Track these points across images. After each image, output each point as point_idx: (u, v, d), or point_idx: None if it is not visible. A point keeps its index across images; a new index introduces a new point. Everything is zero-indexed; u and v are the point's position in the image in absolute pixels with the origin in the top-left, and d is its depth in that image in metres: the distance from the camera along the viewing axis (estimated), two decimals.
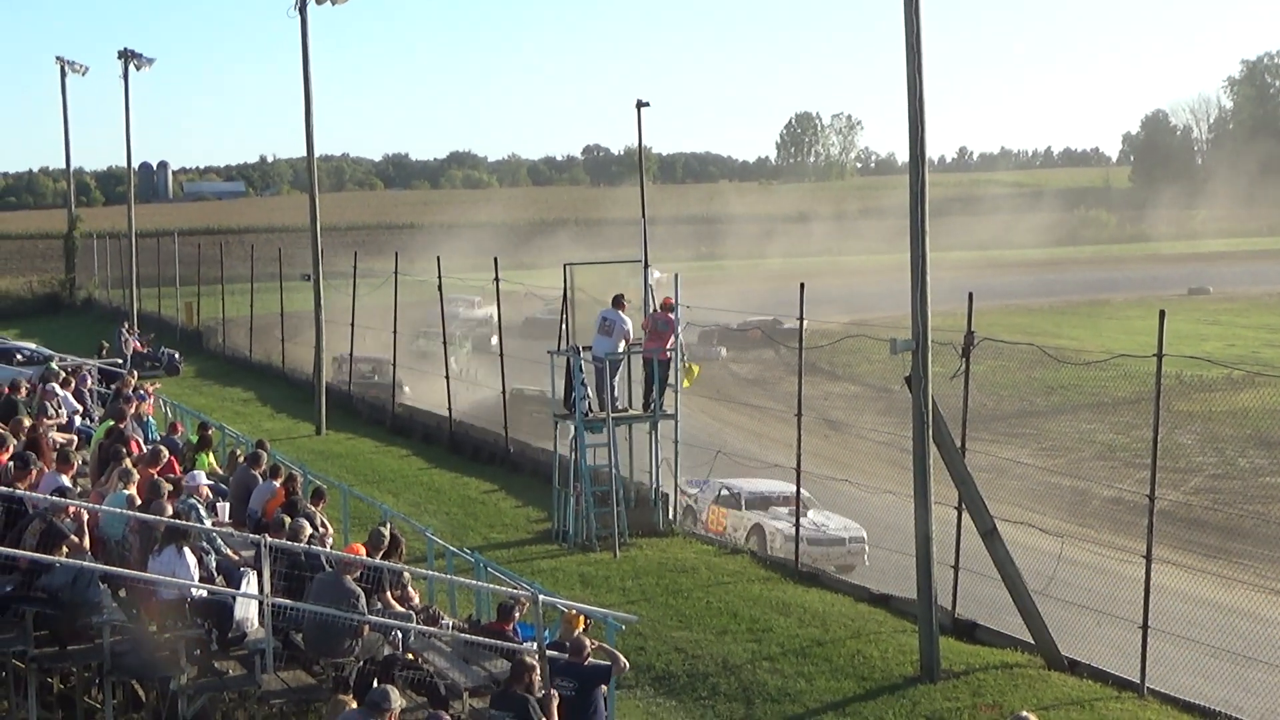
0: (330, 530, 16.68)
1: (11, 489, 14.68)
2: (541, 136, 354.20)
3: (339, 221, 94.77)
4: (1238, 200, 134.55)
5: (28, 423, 19.32)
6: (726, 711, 16.58)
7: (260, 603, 13.40)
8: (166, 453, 17.89)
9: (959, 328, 18.97)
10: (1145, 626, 16.78)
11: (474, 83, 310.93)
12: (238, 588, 13.91)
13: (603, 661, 13.23)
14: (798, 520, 22.95)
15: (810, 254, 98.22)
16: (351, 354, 39.69)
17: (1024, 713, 12.07)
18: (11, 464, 15.81)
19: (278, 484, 17.41)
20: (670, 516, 24.75)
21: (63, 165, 76.70)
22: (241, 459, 19.02)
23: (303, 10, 34.50)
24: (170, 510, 14.54)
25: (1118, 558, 19.67)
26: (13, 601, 13.37)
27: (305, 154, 37.29)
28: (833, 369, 46.42)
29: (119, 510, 14.69)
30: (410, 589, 15.12)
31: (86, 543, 14.12)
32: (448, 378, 34.16)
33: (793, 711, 16.39)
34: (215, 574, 14.46)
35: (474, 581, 17.24)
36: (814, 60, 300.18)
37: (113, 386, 26.50)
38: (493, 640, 14.03)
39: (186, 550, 13.65)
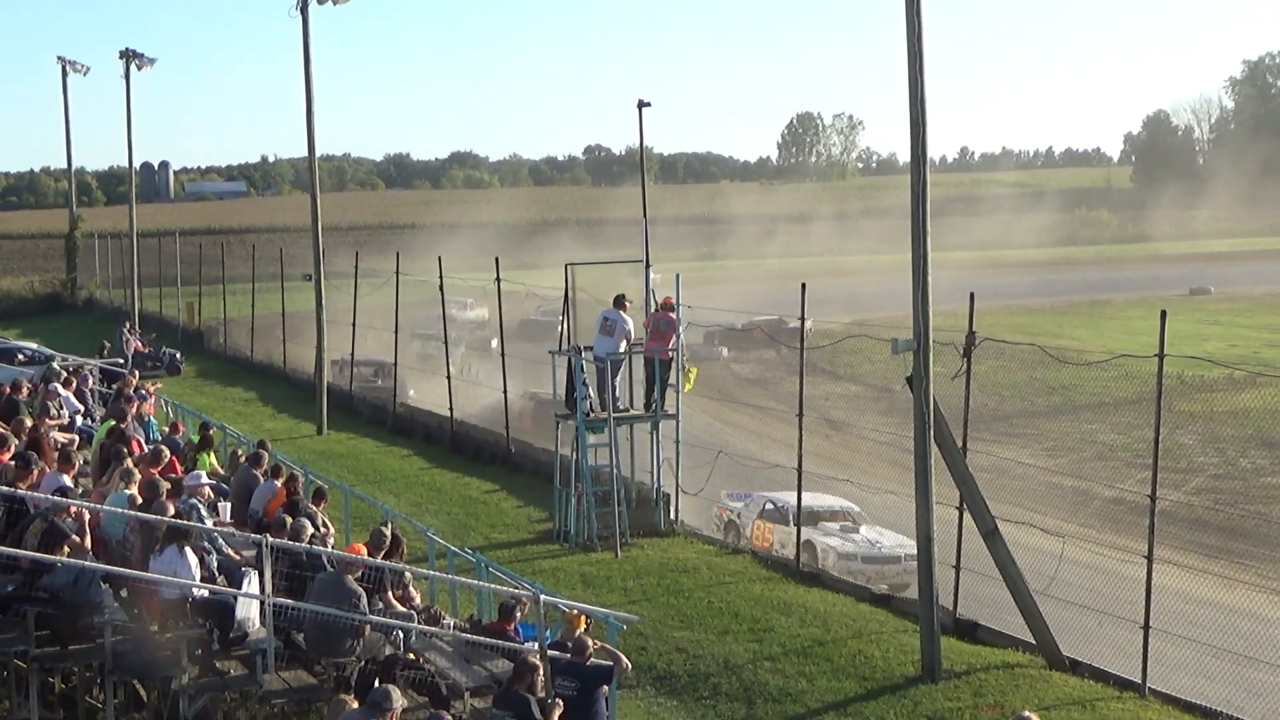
0: (331, 530, 16.68)
1: (13, 489, 14.69)
2: (543, 136, 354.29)
3: (340, 221, 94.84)
4: (1239, 200, 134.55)
5: (29, 423, 19.34)
6: (728, 711, 16.57)
7: (262, 602, 13.41)
8: (168, 453, 17.90)
9: (960, 328, 18.97)
10: (1147, 627, 16.78)
11: (475, 83, 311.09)
12: (239, 587, 13.91)
13: (605, 662, 13.23)
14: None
15: (811, 254, 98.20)
16: (353, 356, 39.66)
17: (1026, 713, 12.07)
18: (13, 464, 15.81)
19: (279, 484, 17.42)
20: (672, 516, 24.74)
21: (64, 165, 76.86)
22: (243, 459, 19.03)
23: (304, 10, 34.52)
24: (172, 510, 14.53)
25: (1119, 558, 19.67)
26: (14, 601, 13.37)
27: (306, 154, 37.30)
28: (834, 369, 46.41)
29: (120, 510, 14.69)
30: (411, 589, 15.12)
31: (88, 542, 14.11)
32: (449, 377, 34.15)
33: (794, 711, 16.39)
34: (217, 574, 14.47)
35: (475, 581, 17.24)
36: (815, 60, 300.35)
37: (114, 386, 26.51)
38: (494, 640, 14.03)
39: (188, 550, 13.65)
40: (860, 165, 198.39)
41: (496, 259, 32.26)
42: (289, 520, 15.13)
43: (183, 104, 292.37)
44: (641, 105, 29.30)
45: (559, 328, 26.21)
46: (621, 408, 24.26)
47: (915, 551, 21.81)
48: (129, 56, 51.41)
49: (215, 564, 14.63)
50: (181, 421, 25.54)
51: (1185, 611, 18.78)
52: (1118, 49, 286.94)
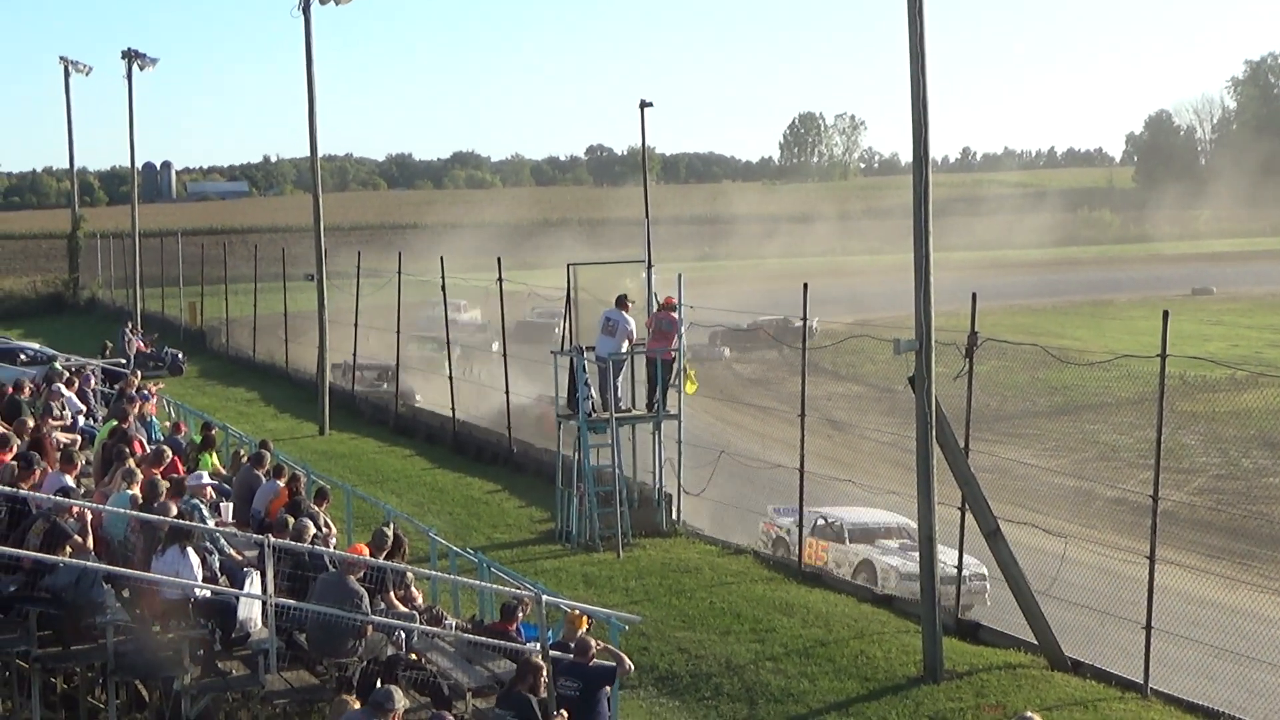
0: (333, 530, 16.69)
1: (15, 489, 14.69)
2: (545, 136, 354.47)
3: (342, 221, 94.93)
4: (1241, 200, 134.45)
5: (32, 423, 19.35)
6: (730, 712, 16.57)
7: (264, 603, 13.41)
8: (170, 453, 17.92)
9: (962, 328, 18.96)
10: (1149, 627, 16.77)
11: (477, 83, 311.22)
12: (241, 588, 13.92)
13: (608, 662, 13.23)
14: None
15: (813, 254, 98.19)
16: (355, 358, 39.62)
17: (1028, 713, 12.08)
18: (15, 464, 15.82)
19: (281, 484, 17.42)
20: (674, 517, 24.73)
21: (66, 165, 77.05)
22: (245, 459, 19.04)
23: (306, 10, 34.54)
24: (174, 510, 14.54)
25: (1121, 558, 19.65)
26: (16, 601, 13.39)
27: (309, 154, 37.31)
28: (836, 369, 46.40)
29: (122, 510, 14.70)
30: (413, 589, 15.13)
31: (90, 543, 14.12)
32: (451, 378, 34.16)
33: (796, 712, 16.38)
34: (219, 574, 14.48)
35: (477, 582, 17.25)
36: (817, 60, 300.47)
37: (116, 386, 26.53)
38: (496, 641, 14.03)
39: (190, 550, 13.66)
40: (862, 165, 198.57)
41: (499, 259, 32.25)
42: (291, 520, 15.14)
43: (185, 104, 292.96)
44: (644, 105, 29.38)
45: (555, 329, 26.19)
46: (623, 408, 24.25)
47: (980, 570, 21.66)
48: (131, 56, 51.43)
49: (217, 564, 14.64)
50: (183, 422, 25.55)
51: (1187, 612, 18.78)
52: (1120, 49, 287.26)
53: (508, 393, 31.57)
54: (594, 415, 23.90)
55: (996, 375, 36.50)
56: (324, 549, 14.71)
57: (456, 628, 14.84)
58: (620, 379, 24.15)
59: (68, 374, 26.01)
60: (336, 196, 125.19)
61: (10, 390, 22.73)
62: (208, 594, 13.74)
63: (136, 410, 21.39)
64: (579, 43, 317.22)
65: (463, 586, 17.84)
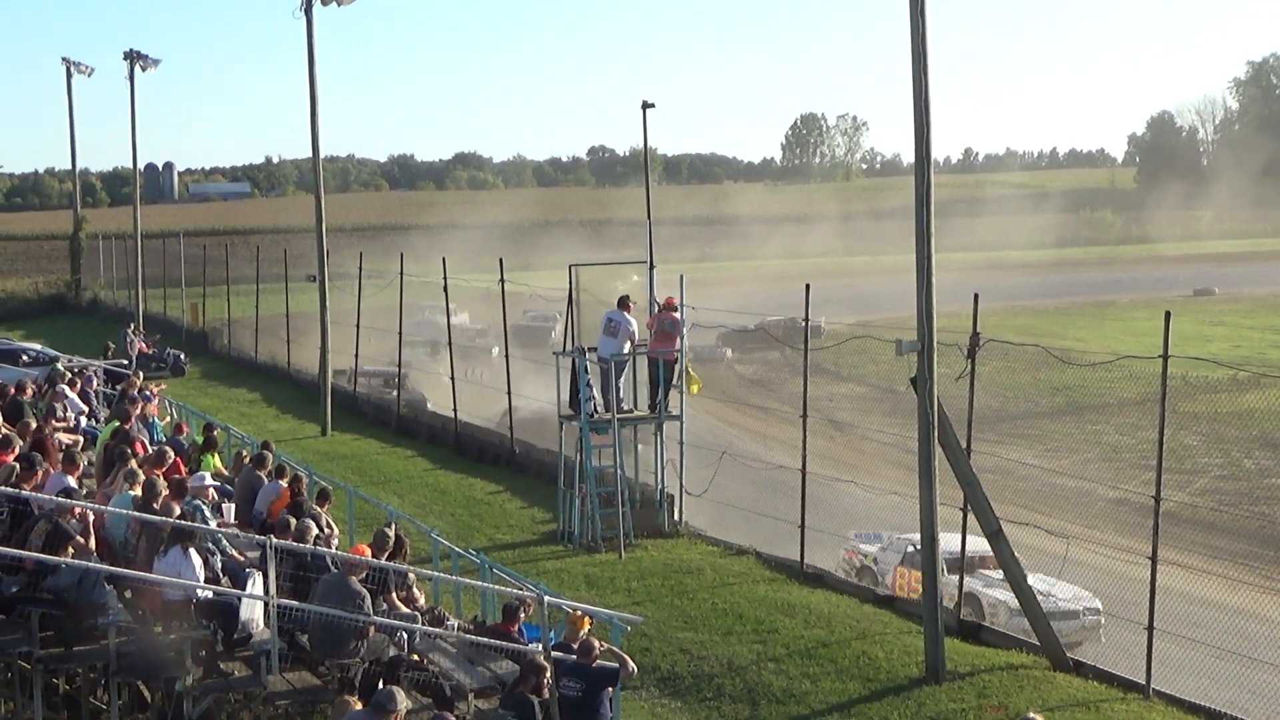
0: (335, 531, 16.68)
1: (17, 490, 14.70)
2: (547, 137, 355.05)
3: (344, 222, 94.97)
4: (1243, 201, 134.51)
5: (34, 424, 19.36)
6: (732, 713, 16.57)
7: (266, 604, 13.42)
8: (172, 454, 17.92)
9: (964, 329, 18.96)
10: (1150, 628, 16.76)
11: (479, 84, 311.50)
12: (243, 589, 13.93)
13: (610, 664, 13.23)
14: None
15: (815, 255, 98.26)
16: (357, 360, 39.59)
17: (1030, 714, 12.08)
18: (18, 465, 15.83)
19: (283, 485, 17.41)
20: (676, 517, 24.73)
21: (68, 166, 77.08)
22: (247, 460, 19.04)
23: (308, 11, 34.54)
24: (177, 511, 14.55)
25: (1123, 559, 19.66)
26: (18, 602, 13.39)
27: (311, 155, 37.35)
28: (838, 370, 46.44)
29: (124, 511, 14.70)
30: (415, 590, 15.13)
31: (92, 544, 14.13)
32: (453, 379, 34.17)
33: (798, 713, 16.38)
34: (221, 575, 14.47)
35: (479, 582, 17.25)
36: (819, 61, 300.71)
37: (118, 387, 26.55)
38: (498, 641, 14.03)
39: (192, 551, 13.67)
40: (864, 166, 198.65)
41: (500, 260, 32.25)
42: (293, 521, 15.14)
43: (187, 105, 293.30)
44: (646, 106, 29.32)
45: (551, 333, 26.19)
46: (625, 409, 24.26)
47: (1094, 604, 20.79)
48: (133, 57, 51.47)
49: (219, 565, 14.63)
50: (185, 423, 25.55)
51: (1189, 613, 18.78)
52: (1121, 49, 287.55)
53: (510, 394, 31.59)
54: (596, 416, 23.90)
55: (998, 376, 36.49)
56: (326, 550, 14.71)
57: (458, 628, 14.83)
58: (622, 380, 24.15)
59: (70, 375, 26.03)
60: (338, 197, 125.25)
61: (13, 391, 22.75)
62: (210, 595, 13.74)
63: (139, 411, 21.39)
64: (580, 43, 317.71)
65: (465, 587, 17.84)
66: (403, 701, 10.91)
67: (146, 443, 19.47)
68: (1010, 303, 62.78)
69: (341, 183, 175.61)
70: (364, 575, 13.71)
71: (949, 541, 19.21)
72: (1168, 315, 16.74)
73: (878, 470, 29.44)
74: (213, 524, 15.51)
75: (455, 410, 33.61)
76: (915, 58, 16.39)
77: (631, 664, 13.61)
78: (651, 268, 27.00)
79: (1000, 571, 20.16)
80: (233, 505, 17.71)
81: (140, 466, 16.49)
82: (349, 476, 27.41)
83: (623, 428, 24.01)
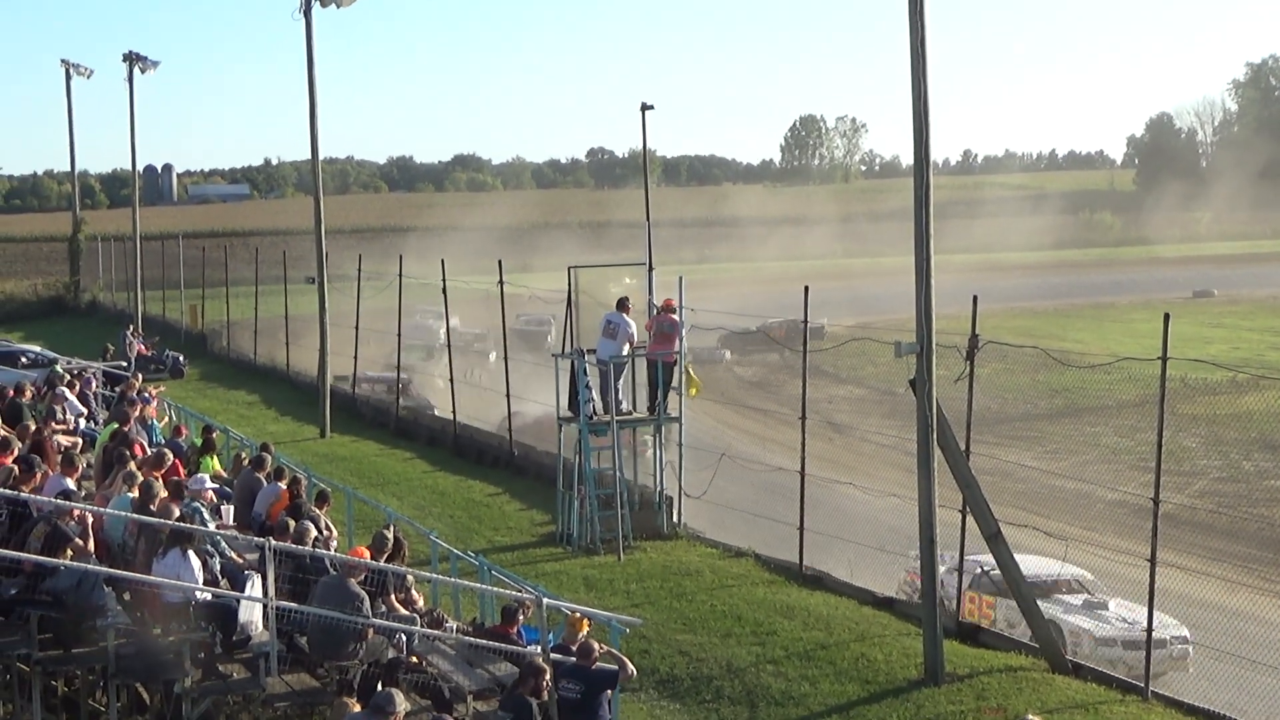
0: (334, 533, 16.68)
1: (16, 492, 14.70)
2: (546, 139, 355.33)
3: (343, 224, 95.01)
4: (1242, 203, 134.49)
5: (33, 426, 19.35)
6: (730, 715, 16.57)
7: (264, 606, 13.42)
8: (171, 456, 17.91)
9: (963, 330, 18.96)
10: (1149, 630, 16.77)
11: (478, 85, 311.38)
12: (242, 591, 13.93)
13: (609, 666, 13.23)
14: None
15: (814, 257, 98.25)
16: (356, 362, 39.54)
17: (1029, 716, 12.10)
18: (16, 467, 15.82)
19: (282, 487, 17.42)
20: (675, 520, 24.72)
21: (67, 168, 77.24)
22: (246, 462, 19.03)
23: (307, 13, 34.54)
24: (175, 513, 14.54)
25: (1122, 561, 19.65)
26: (17, 604, 13.39)
27: (310, 157, 37.33)
28: (837, 372, 46.42)
29: (123, 513, 14.70)
30: (414, 592, 15.14)
31: (91, 546, 14.13)
32: (452, 380, 34.16)
33: (797, 715, 16.38)
34: (220, 577, 14.46)
35: (478, 584, 17.23)
36: (818, 63, 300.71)
37: (117, 389, 26.54)
38: (497, 643, 14.03)
39: (191, 553, 13.66)
40: (863, 168, 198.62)
41: (500, 262, 32.24)
42: (292, 523, 15.14)
43: (186, 107, 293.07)
44: (645, 108, 29.33)
45: (547, 336, 26.17)
46: (624, 411, 24.25)
47: (1180, 632, 19.47)
48: (132, 59, 51.45)
49: (218, 567, 14.63)
50: (184, 424, 25.54)
51: (1188, 615, 18.78)
52: (1120, 51, 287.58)
53: (509, 395, 31.57)
54: (595, 418, 23.90)
55: (997, 378, 36.48)
56: (325, 552, 14.71)
57: (457, 630, 14.84)
58: (621, 382, 24.15)
59: (69, 377, 26.03)
60: (337, 199, 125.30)
61: (11, 393, 22.75)
62: (208, 597, 13.74)
63: (137, 413, 21.38)
64: (580, 45, 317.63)
65: (463, 589, 17.84)
66: (401, 703, 10.91)
67: (145, 445, 19.46)
68: (1009, 304, 62.80)
69: (340, 184, 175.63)
70: (363, 577, 13.72)
71: (1023, 565, 18.27)
72: (1167, 317, 16.74)
73: (877, 472, 29.42)
74: (211, 526, 15.50)
75: (454, 412, 33.60)
76: (914, 59, 16.40)
77: (630, 666, 13.61)
78: (651, 269, 27.00)
79: (1075, 598, 20.43)
80: (231, 507, 17.70)
81: (139, 468, 16.49)
82: (348, 478, 27.41)
83: (621, 430, 24.00)
